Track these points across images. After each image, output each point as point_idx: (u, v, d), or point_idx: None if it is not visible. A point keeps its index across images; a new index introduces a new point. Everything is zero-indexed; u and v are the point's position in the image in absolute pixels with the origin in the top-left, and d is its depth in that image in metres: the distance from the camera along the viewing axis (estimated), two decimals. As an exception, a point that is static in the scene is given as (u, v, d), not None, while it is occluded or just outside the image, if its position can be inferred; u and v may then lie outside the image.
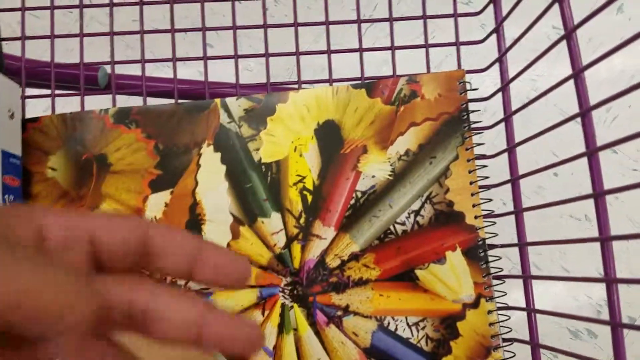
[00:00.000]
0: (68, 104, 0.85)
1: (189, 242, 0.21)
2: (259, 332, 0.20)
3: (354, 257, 0.45)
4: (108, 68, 0.69)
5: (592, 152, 0.35)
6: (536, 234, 1.06)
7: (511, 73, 0.46)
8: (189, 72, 1.11)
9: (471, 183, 0.46)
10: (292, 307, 0.44)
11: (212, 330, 0.20)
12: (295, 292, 0.45)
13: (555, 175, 1.08)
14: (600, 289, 1.06)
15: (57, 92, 0.48)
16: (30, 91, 0.50)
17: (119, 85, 0.63)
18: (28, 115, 0.47)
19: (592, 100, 0.35)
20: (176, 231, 0.21)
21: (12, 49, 0.54)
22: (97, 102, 0.98)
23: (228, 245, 0.45)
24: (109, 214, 0.20)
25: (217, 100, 0.47)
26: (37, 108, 0.70)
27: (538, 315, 0.44)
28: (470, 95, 0.47)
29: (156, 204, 0.45)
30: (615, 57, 1.12)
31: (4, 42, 0.51)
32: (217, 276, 0.21)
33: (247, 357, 0.21)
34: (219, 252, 0.21)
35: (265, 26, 0.49)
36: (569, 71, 0.37)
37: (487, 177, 0.46)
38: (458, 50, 0.49)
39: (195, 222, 0.45)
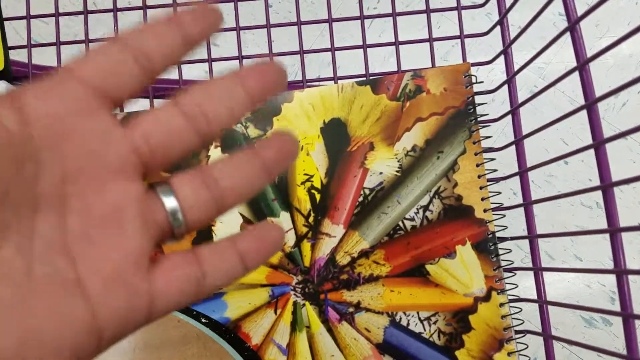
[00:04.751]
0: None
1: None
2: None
3: (364, 254, 0.45)
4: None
5: (599, 144, 0.35)
6: (547, 222, 1.05)
7: (517, 60, 0.46)
8: (195, 73, 1.11)
9: (479, 176, 0.46)
10: (304, 304, 0.45)
11: None
12: (306, 290, 0.45)
13: (565, 164, 1.07)
14: (613, 276, 1.05)
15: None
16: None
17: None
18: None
19: (601, 87, 0.35)
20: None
21: (22, 55, 0.54)
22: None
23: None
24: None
25: (223, 102, 0.47)
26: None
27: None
28: (477, 87, 0.47)
29: (166, 206, 0.46)
30: (623, 42, 1.10)
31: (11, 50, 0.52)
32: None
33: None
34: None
35: (268, 26, 0.49)
36: (575, 61, 0.37)
37: (495, 170, 0.46)
38: (463, 44, 0.48)
39: (205, 224, 0.45)
